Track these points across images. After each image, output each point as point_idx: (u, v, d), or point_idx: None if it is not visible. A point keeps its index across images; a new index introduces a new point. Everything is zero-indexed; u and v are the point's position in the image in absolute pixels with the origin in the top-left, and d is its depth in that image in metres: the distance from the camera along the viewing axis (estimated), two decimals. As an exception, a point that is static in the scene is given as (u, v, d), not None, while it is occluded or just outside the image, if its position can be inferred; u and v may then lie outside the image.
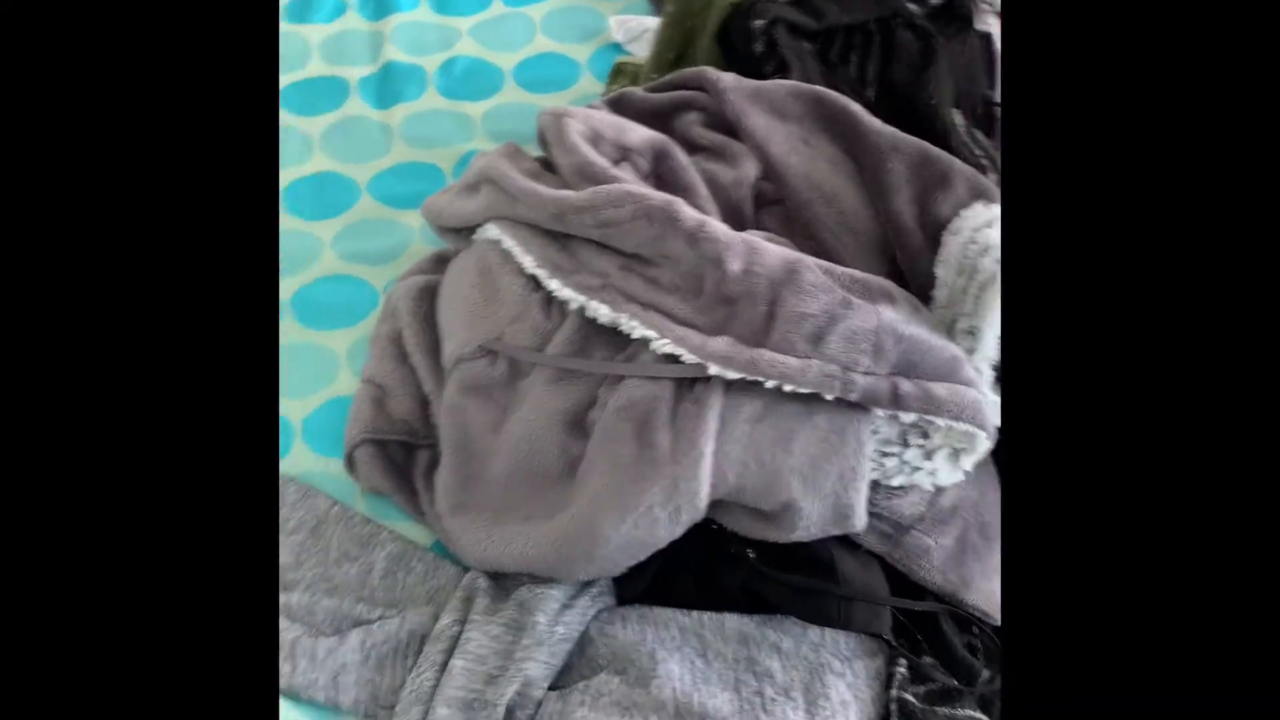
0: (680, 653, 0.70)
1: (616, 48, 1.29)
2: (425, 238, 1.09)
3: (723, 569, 0.75)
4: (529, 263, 0.79)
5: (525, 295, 0.80)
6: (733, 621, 0.71)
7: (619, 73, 1.17)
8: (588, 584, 0.77)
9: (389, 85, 1.25)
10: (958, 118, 0.86)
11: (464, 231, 0.92)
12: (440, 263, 0.99)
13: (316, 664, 0.78)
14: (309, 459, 0.92)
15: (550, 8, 1.34)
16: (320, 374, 0.98)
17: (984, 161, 0.82)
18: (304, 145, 1.18)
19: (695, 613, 0.72)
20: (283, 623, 0.80)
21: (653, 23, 1.26)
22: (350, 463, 0.89)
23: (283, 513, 0.87)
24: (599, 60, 1.28)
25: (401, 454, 0.89)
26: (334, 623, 0.81)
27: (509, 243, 0.81)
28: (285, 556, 0.84)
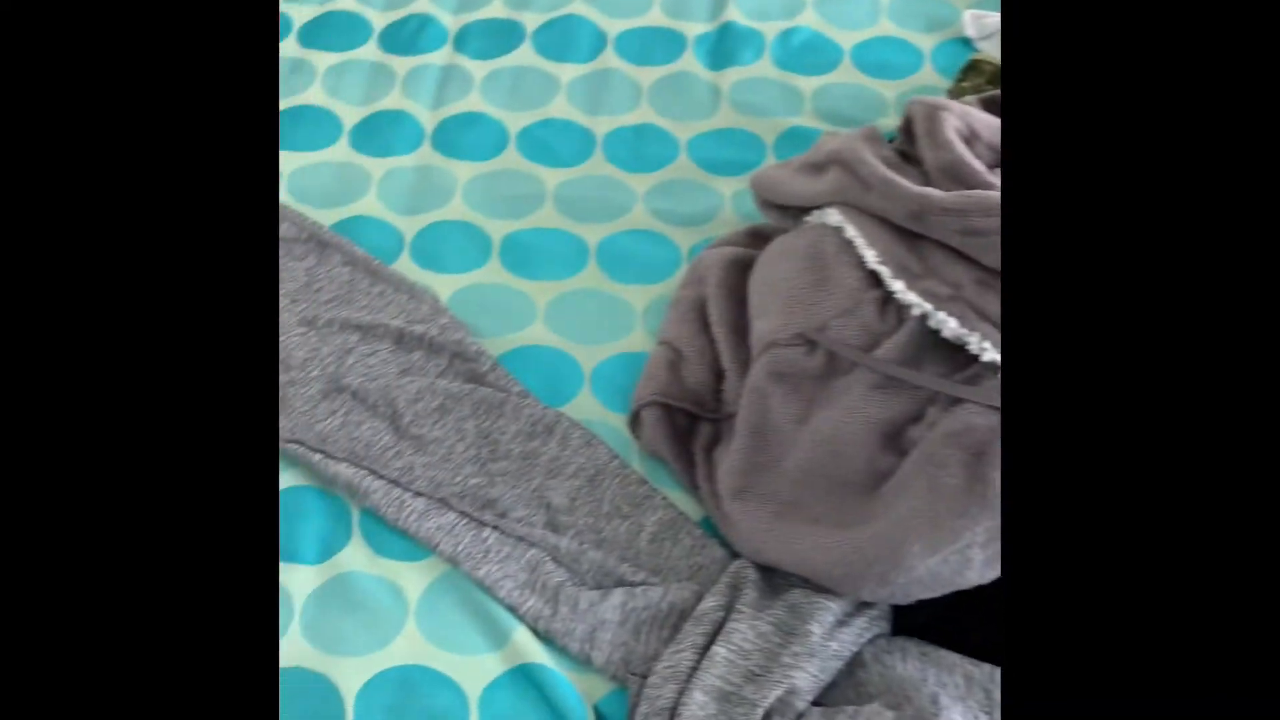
0: (964, 704, 0.65)
1: (964, 43, 1.21)
2: (737, 208, 1.06)
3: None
4: (871, 257, 0.75)
5: (860, 291, 0.75)
6: (1027, 685, 0.65)
7: (974, 69, 1.10)
8: (866, 604, 0.72)
9: (724, 46, 1.22)
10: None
11: (792, 211, 0.89)
12: (756, 237, 0.96)
13: (577, 614, 0.77)
14: (593, 407, 0.91)
15: (904, -10, 1.28)
16: (615, 326, 0.97)
17: None
18: (632, 93, 1.18)
19: (988, 665, 0.67)
20: (548, 564, 0.80)
21: (1011, 22, 1.18)
22: (635, 421, 0.88)
23: (565, 454, 0.87)
24: (942, 53, 1.21)
25: (685, 422, 0.88)
26: (597, 577, 0.80)
27: (852, 232, 0.77)
28: (560, 499, 0.85)
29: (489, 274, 1.02)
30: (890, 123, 1.11)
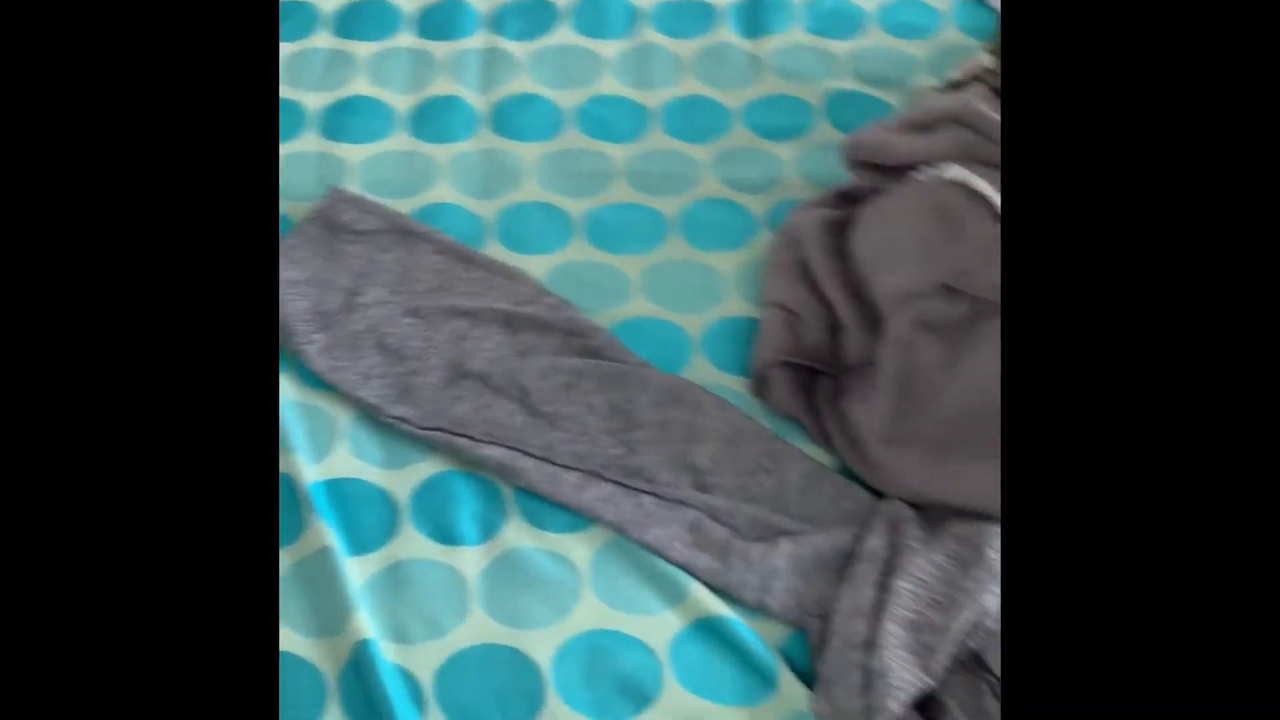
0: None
1: (979, 2, 1.28)
2: (800, 170, 1.11)
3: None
4: (1005, 207, 0.80)
5: (997, 240, 0.81)
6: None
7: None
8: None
9: (756, 15, 1.26)
10: None
11: (891, 171, 0.94)
12: (843, 199, 1.01)
13: (750, 566, 0.82)
14: (710, 372, 0.95)
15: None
16: (710, 293, 1.01)
17: None
18: (674, 66, 1.21)
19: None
20: (708, 522, 0.84)
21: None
22: (760, 384, 0.92)
23: (700, 419, 0.90)
24: (962, 11, 1.27)
25: (806, 378, 0.92)
26: (757, 530, 0.84)
27: (983, 185, 0.82)
28: (704, 461, 0.88)
29: (577, 252, 1.04)
30: (922, 82, 1.18)
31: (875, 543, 0.81)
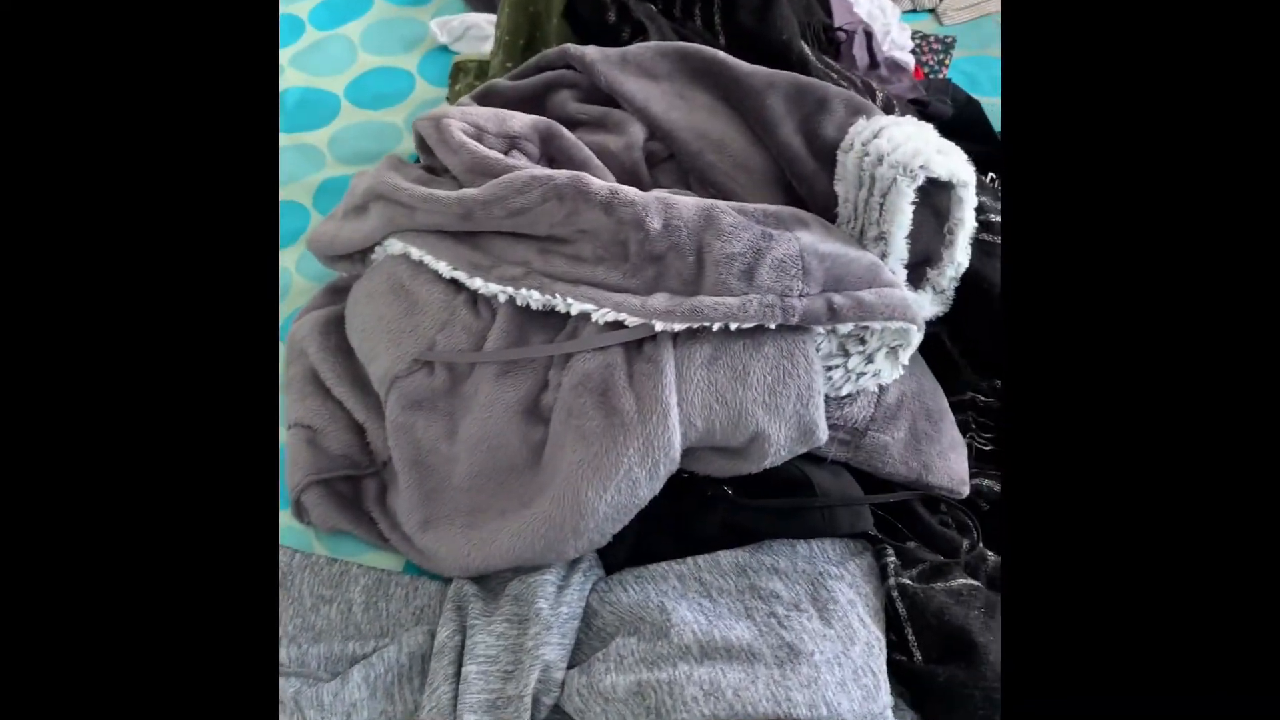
0: (686, 599, 0.73)
1: (443, 49, 1.29)
2: (305, 272, 1.07)
3: (698, 516, 0.78)
4: (444, 267, 0.80)
5: (449, 300, 0.80)
6: (726, 557, 0.75)
7: (461, 71, 1.18)
8: (576, 562, 0.78)
9: (223, 131, 1.21)
10: (806, 48, 0.91)
11: (356, 256, 0.91)
12: (336, 293, 0.98)
13: (326, 711, 0.77)
14: (252, 517, 0.89)
15: (367, 24, 1.33)
16: (238, 432, 0.95)
17: (842, 84, 0.87)
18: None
19: (689, 559, 0.75)
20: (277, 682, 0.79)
21: (474, 19, 1.27)
22: (299, 509, 0.87)
23: (244, 575, 0.85)
24: (429, 64, 1.28)
25: (348, 488, 0.88)
26: (329, 666, 0.80)
27: (418, 253, 0.81)
28: (260, 617, 0.82)
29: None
30: (408, 147, 1.17)
31: (444, 633, 0.78)
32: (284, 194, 1.15)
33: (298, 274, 1.07)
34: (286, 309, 1.03)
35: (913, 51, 1.16)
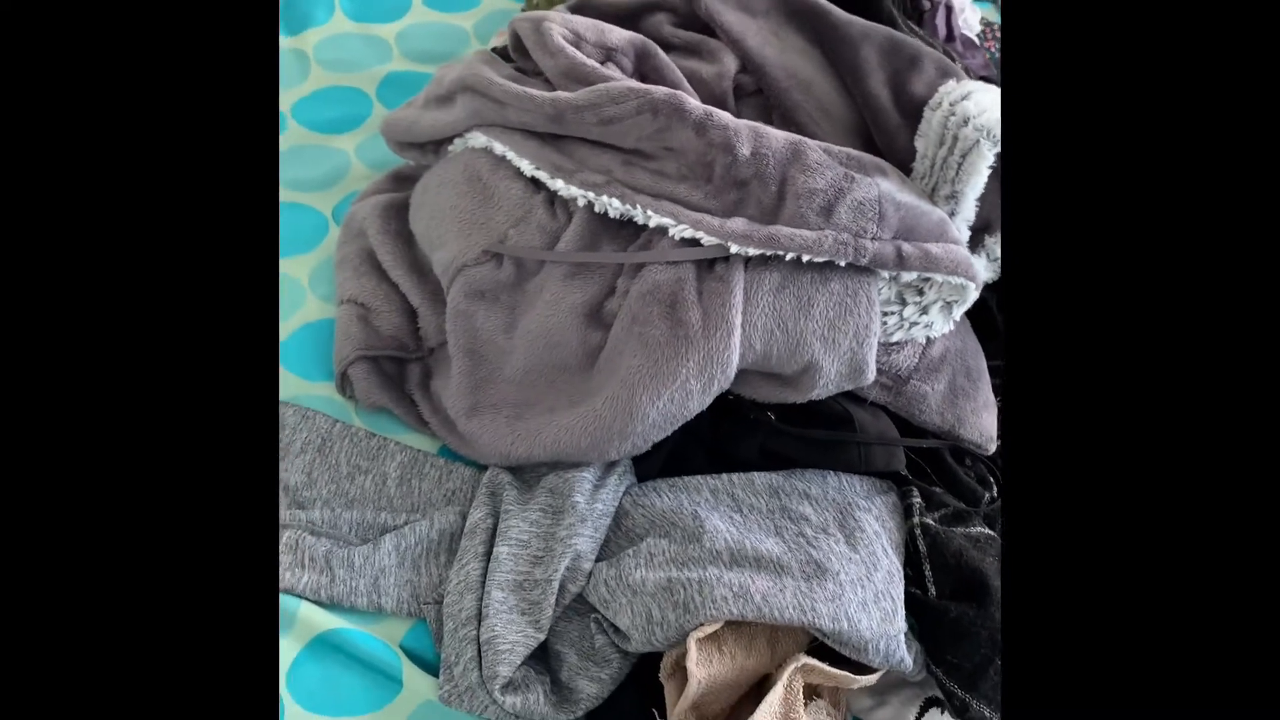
0: (718, 511, 0.76)
1: (519, -37, 1.30)
2: (364, 158, 1.09)
3: (737, 438, 0.81)
4: (526, 165, 0.82)
5: (526, 198, 0.82)
6: (760, 478, 0.78)
7: (539, -15, 1.19)
8: (612, 465, 0.81)
9: (295, 11, 1.22)
10: (895, 10, 0.94)
11: (430, 146, 0.93)
12: (399, 180, 1.00)
13: (355, 571, 0.80)
14: (295, 384, 0.92)
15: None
16: (287, 302, 0.97)
17: (929, 47, 0.90)
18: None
19: (724, 475, 0.79)
20: (310, 539, 0.81)
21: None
22: (343, 382, 0.90)
23: (285, 435, 0.87)
24: (506, -25, 1.29)
25: (394, 368, 0.91)
26: (361, 532, 0.83)
27: (501, 148, 0.83)
28: (296, 477, 0.85)
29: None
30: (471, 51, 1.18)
31: (477, 515, 0.81)
32: (349, 81, 1.16)
33: (357, 159, 1.09)
34: (344, 193, 1.05)
35: (978, 35, 1.19)
